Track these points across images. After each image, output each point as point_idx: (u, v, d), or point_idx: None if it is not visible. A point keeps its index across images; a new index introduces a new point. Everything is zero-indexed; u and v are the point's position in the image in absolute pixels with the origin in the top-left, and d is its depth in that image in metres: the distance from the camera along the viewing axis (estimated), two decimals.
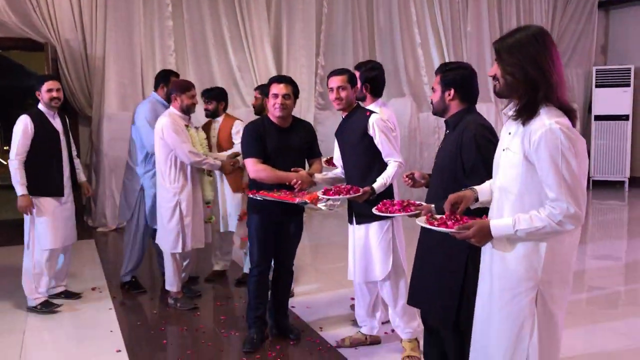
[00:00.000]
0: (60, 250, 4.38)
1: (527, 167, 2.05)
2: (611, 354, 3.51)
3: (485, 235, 2.13)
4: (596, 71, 9.47)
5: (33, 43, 6.90)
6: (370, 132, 3.35)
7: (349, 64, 8.18)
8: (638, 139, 9.55)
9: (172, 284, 4.34)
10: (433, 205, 2.65)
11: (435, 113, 2.84)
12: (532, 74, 2.03)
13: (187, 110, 4.23)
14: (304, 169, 3.61)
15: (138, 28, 7.22)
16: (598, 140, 9.53)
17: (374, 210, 2.89)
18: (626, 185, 9.49)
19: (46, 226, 4.21)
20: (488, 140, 2.58)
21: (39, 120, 4.18)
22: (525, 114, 2.05)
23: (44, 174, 4.18)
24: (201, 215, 4.33)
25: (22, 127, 4.10)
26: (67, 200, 4.34)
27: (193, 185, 4.21)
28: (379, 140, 3.35)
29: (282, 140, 3.56)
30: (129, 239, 4.74)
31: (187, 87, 4.21)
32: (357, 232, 3.46)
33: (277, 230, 3.64)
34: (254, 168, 3.51)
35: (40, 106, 4.25)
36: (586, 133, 9.75)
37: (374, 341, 3.63)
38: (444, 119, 2.81)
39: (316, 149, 3.77)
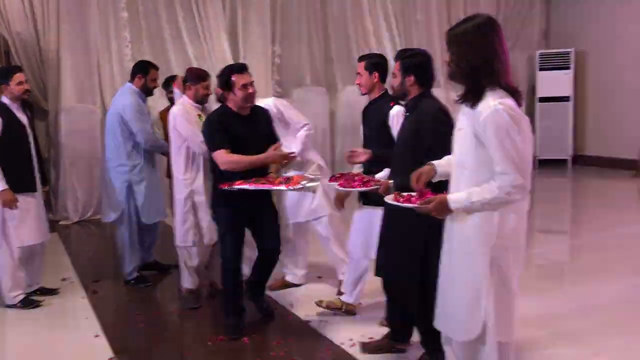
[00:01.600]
0: (38, 246, 4.29)
1: (478, 144, 2.27)
2: (558, 314, 3.83)
3: (445, 208, 2.35)
4: (539, 55, 9.90)
5: None
6: (390, 122, 3.41)
7: (305, 53, 8.36)
8: (579, 118, 10.05)
9: (183, 279, 4.22)
10: (392, 181, 2.87)
11: (396, 97, 3.07)
12: (473, 63, 2.26)
13: (202, 101, 4.14)
14: None
15: (92, 19, 7.17)
16: (542, 121, 9.97)
17: (336, 187, 3.10)
18: (569, 163, 9.98)
19: (23, 223, 4.11)
20: (443, 122, 2.83)
21: (6, 114, 4.04)
22: (471, 98, 2.28)
23: (16, 170, 4.04)
24: None
25: None
26: (39, 194, 4.25)
27: (205, 176, 4.04)
28: (395, 132, 3.37)
29: (248, 129, 3.58)
30: (125, 239, 4.59)
31: (203, 77, 4.12)
32: (361, 211, 3.58)
33: (249, 219, 3.66)
34: (226, 159, 3.45)
35: (4, 99, 4.09)
36: (531, 114, 10.20)
37: (349, 311, 3.77)
38: (404, 102, 3.05)
39: (275, 133, 3.82)
